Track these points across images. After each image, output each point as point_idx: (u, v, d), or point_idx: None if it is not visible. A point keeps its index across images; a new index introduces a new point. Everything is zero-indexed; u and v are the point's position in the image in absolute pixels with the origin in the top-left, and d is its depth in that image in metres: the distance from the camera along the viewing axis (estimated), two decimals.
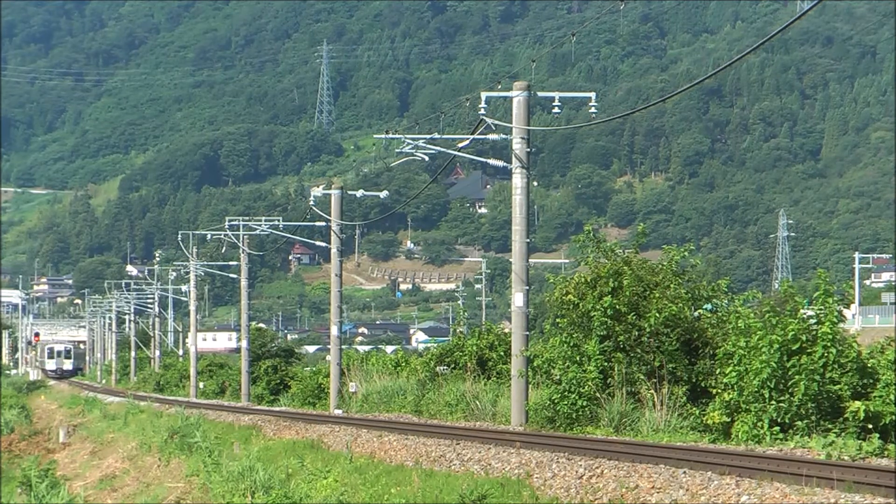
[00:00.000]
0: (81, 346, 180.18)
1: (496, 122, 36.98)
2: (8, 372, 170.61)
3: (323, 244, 63.16)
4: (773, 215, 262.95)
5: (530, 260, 36.61)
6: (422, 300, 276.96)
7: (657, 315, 32.60)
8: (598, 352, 32.64)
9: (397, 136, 44.53)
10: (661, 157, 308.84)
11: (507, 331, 44.55)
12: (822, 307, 27.92)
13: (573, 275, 35.06)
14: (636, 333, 32.95)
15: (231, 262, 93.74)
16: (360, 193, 61.45)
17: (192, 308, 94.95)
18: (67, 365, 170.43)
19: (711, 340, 32.83)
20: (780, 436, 26.90)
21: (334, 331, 57.47)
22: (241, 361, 77.83)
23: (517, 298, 36.24)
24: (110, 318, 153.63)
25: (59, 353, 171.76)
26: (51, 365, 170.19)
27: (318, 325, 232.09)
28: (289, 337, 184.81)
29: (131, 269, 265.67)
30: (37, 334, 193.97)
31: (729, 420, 28.68)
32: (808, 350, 27.52)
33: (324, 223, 61.53)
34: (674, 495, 20.09)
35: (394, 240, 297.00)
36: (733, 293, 34.52)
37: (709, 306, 34.06)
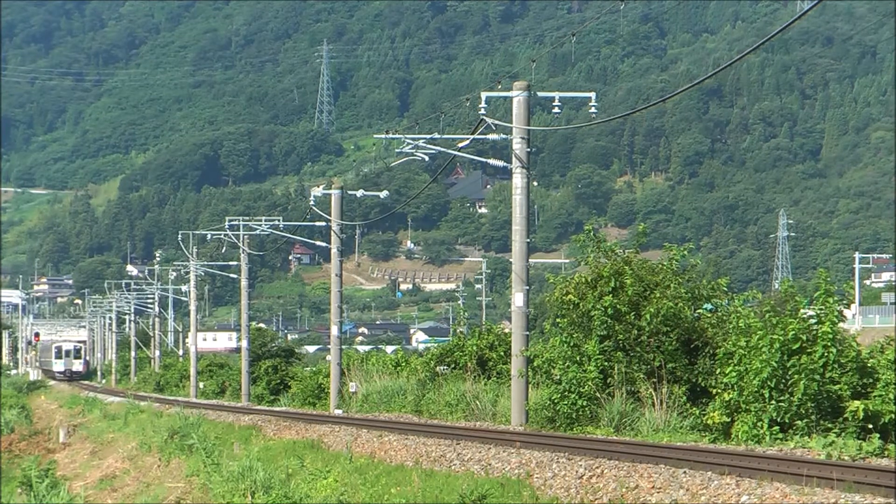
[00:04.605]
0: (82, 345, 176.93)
1: (496, 122, 36.94)
2: (8, 372, 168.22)
3: (323, 244, 63.16)
4: (773, 215, 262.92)
5: (530, 260, 36.58)
6: (422, 300, 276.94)
7: (654, 312, 32.57)
8: (598, 352, 32.61)
9: (397, 136, 44.51)
10: (661, 157, 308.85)
11: (507, 331, 44.51)
12: (822, 307, 27.89)
13: (573, 275, 35.02)
14: (636, 333, 32.92)
15: (231, 262, 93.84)
16: (360, 193, 61.45)
17: (192, 308, 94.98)
18: (77, 366, 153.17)
19: (711, 340, 32.80)
20: (780, 436, 26.87)
21: (334, 331, 57.46)
22: (241, 361, 77.86)
23: (517, 298, 36.22)
24: (110, 318, 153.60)
25: (67, 352, 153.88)
26: (58, 366, 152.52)
27: (318, 325, 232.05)
28: (289, 337, 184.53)
29: (131, 269, 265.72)
30: (37, 334, 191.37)
31: (729, 420, 28.65)
32: (809, 350, 27.49)
33: (324, 223, 61.57)
34: (674, 495, 20.08)
35: (394, 240, 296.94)
36: (733, 293, 34.50)
37: (709, 306, 34.02)
